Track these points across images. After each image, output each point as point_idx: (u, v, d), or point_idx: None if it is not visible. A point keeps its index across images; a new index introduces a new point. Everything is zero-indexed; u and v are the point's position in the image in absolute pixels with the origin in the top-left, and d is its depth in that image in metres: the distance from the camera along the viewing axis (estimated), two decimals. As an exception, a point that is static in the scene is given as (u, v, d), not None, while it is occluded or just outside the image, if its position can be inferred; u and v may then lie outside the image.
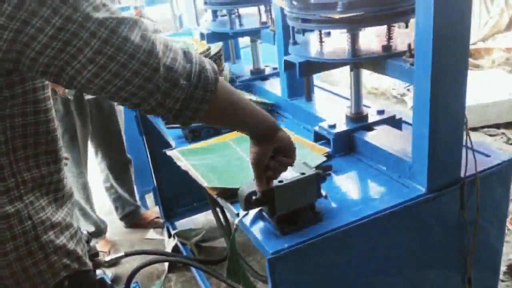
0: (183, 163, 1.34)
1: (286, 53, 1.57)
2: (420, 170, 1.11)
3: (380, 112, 1.40)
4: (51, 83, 0.84)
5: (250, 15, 1.98)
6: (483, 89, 3.67)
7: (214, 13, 2.01)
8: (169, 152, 1.45)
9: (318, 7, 1.14)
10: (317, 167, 1.25)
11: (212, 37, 1.88)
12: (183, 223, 2.59)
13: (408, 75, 1.10)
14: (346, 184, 1.22)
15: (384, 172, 1.23)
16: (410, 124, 1.44)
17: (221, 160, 1.38)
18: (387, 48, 1.19)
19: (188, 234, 2.45)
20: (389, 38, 1.20)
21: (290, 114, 1.69)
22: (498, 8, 5.46)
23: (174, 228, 2.49)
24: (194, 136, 1.60)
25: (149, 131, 2.28)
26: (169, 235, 2.47)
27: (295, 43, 1.36)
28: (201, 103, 0.80)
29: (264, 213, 1.08)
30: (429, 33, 0.97)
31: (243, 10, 1.93)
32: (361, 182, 1.23)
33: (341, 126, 1.36)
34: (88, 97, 2.33)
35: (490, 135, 3.49)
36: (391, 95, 4.55)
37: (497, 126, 3.58)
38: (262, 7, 1.87)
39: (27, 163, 0.81)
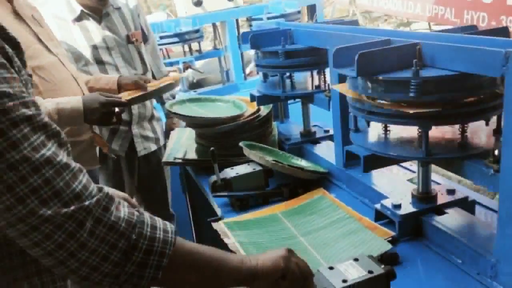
0: (231, 240, 1.24)
1: (343, 122, 1.49)
2: (506, 271, 0.96)
3: (451, 192, 1.26)
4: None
5: (301, 76, 1.92)
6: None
7: (265, 73, 1.96)
8: (215, 226, 1.36)
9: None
10: (382, 256, 1.12)
11: (263, 99, 1.82)
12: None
13: (491, 181, 0.99)
14: (415, 279, 1.07)
15: (459, 265, 1.08)
16: (482, 205, 1.33)
17: (270, 238, 1.27)
18: (463, 147, 1.08)
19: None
20: (463, 132, 1.10)
21: (345, 185, 1.57)
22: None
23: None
24: (241, 205, 1.50)
25: (193, 190, 2.21)
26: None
27: (357, 130, 1.28)
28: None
29: (324, 315, 0.95)
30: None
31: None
32: (433, 278, 1.08)
33: (408, 207, 1.23)
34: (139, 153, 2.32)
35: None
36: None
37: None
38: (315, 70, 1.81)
39: None
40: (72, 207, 0.67)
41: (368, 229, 1.25)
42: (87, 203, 0.69)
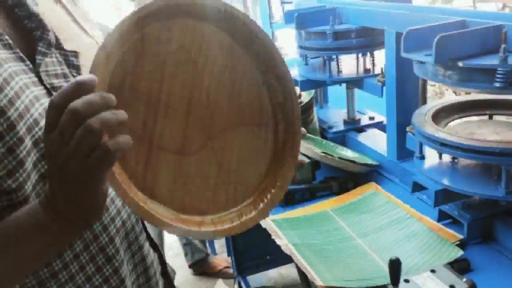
0: (283, 241, 1.15)
1: (399, 110, 1.37)
2: None
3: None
4: None
5: (345, 58, 1.78)
6: None
7: (305, 56, 1.83)
8: (263, 224, 1.26)
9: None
10: (451, 263, 1.01)
11: (307, 84, 1.69)
12: (254, 278, 2.38)
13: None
14: (492, 289, 0.96)
15: (542, 276, 0.96)
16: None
17: (325, 239, 1.17)
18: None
19: (260, 292, 2.24)
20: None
21: (398, 179, 1.45)
22: None
23: (246, 284, 2.29)
24: (287, 200, 1.40)
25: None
26: (241, 291, 2.28)
27: (422, 157, 1.16)
28: None
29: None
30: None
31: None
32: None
33: (478, 208, 1.11)
34: None
35: None
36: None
37: None
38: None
39: None
40: None
41: (432, 231, 1.14)
42: None
